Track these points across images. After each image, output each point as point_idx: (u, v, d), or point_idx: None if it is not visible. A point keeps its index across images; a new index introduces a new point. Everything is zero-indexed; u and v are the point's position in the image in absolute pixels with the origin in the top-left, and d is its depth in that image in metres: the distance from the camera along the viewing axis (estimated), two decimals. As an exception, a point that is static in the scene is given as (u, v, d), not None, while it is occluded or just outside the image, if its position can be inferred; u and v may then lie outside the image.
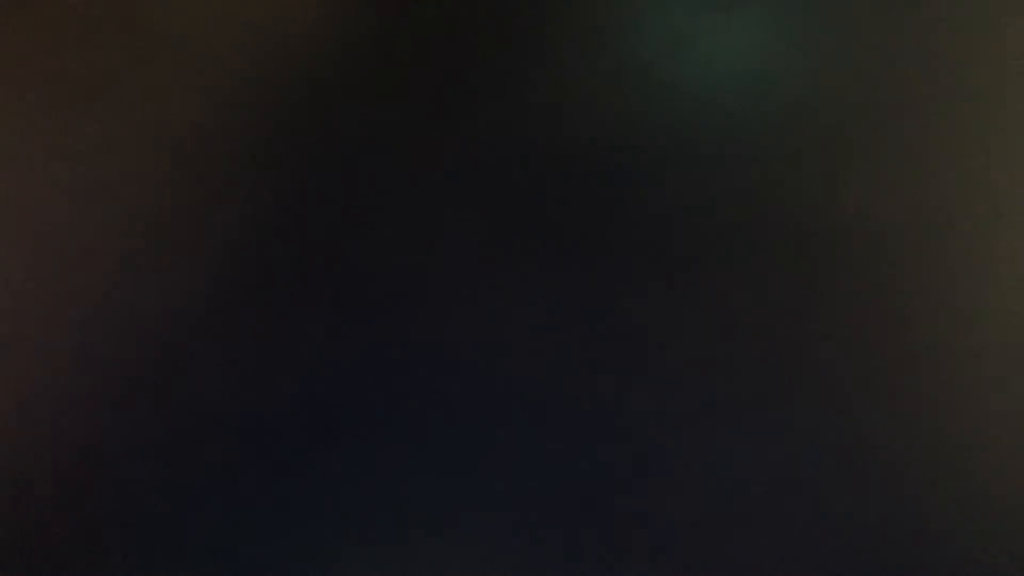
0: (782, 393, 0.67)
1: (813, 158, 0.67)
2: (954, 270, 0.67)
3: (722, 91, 0.68)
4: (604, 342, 0.67)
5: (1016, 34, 0.67)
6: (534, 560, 0.67)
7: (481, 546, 0.67)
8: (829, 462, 0.67)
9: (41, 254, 0.68)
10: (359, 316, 0.68)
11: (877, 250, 0.67)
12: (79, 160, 0.68)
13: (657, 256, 0.67)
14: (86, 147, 0.68)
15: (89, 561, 0.68)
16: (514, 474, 0.67)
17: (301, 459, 0.67)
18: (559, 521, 0.67)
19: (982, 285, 0.67)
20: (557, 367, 0.67)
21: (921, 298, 0.67)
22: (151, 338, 0.68)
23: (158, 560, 0.68)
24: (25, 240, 0.68)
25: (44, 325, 0.68)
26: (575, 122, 0.68)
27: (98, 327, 0.68)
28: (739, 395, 0.67)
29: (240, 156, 0.68)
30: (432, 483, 0.67)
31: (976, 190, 0.67)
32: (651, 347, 0.67)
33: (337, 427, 0.67)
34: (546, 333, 0.67)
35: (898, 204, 0.67)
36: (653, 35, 0.68)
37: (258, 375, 0.68)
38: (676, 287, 0.67)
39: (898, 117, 0.67)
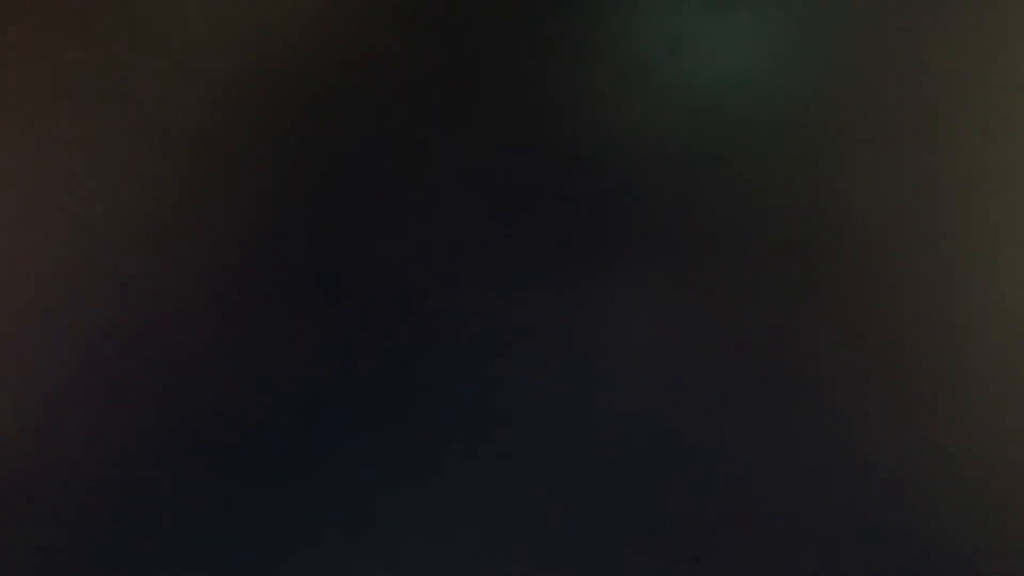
0: (781, 393, 0.67)
1: (813, 158, 0.67)
2: (954, 270, 0.67)
3: (722, 91, 0.68)
4: (603, 341, 0.67)
5: (1016, 34, 0.67)
6: (534, 561, 0.67)
7: (480, 547, 0.67)
8: (829, 463, 0.67)
9: (40, 253, 0.68)
10: (360, 316, 0.68)
11: (877, 250, 0.67)
12: (79, 160, 0.68)
13: (656, 256, 0.67)
14: (86, 146, 0.68)
15: (89, 561, 0.68)
16: (514, 475, 0.67)
17: (302, 460, 0.67)
18: (559, 522, 0.67)
19: (982, 285, 0.67)
20: (556, 367, 0.67)
21: (921, 298, 0.67)
22: (151, 338, 0.68)
23: (158, 560, 0.68)
24: (24, 240, 0.68)
25: (43, 325, 0.68)
26: (575, 122, 0.68)
27: (97, 327, 0.68)
28: (738, 394, 0.67)
29: (241, 156, 0.68)
30: (433, 484, 0.67)
31: (977, 190, 0.67)
32: (650, 346, 0.67)
33: (339, 428, 0.67)
34: (546, 333, 0.67)
35: (898, 204, 0.67)
36: (653, 35, 0.68)
37: (258, 375, 0.68)
38: (675, 287, 0.67)
39: (898, 117, 0.67)
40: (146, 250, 0.68)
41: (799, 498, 0.67)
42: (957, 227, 0.67)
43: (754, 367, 0.67)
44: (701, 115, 0.67)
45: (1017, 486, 0.66)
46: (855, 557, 0.66)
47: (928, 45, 0.68)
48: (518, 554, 0.67)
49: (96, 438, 0.68)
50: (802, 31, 0.68)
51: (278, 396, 0.67)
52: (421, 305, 0.67)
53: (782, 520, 0.67)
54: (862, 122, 0.67)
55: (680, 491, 0.67)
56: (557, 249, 0.67)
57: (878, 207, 0.67)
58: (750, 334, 0.67)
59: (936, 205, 0.67)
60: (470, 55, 0.68)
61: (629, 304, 0.67)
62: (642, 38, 0.68)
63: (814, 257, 0.67)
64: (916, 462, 0.66)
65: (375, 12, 0.68)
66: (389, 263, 0.68)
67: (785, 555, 0.67)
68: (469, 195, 0.68)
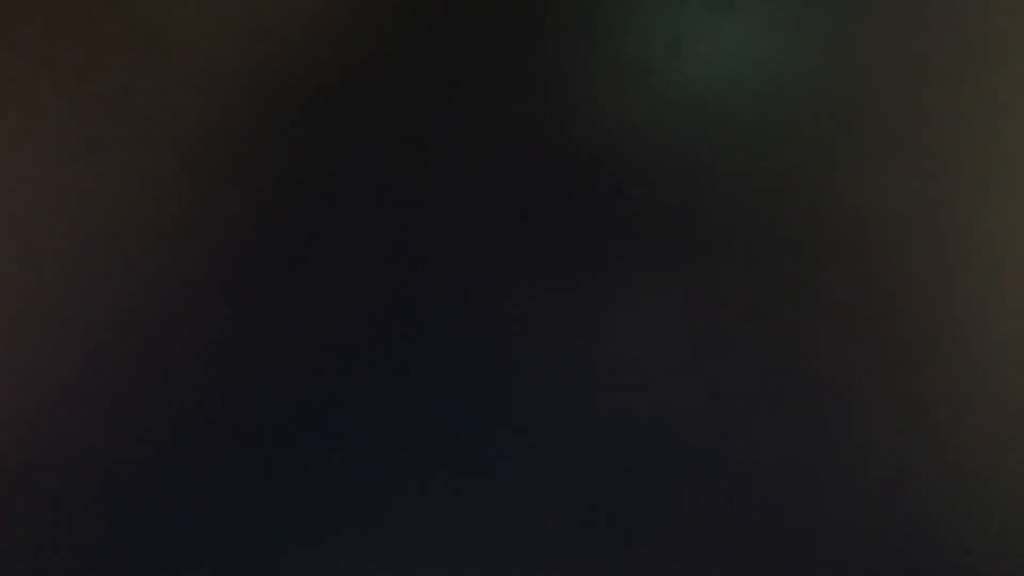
0: (782, 392, 0.67)
1: (813, 158, 0.67)
2: (955, 270, 0.67)
3: (722, 92, 0.68)
4: (603, 341, 0.67)
5: (1016, 34, 0.67)
6: (535, 560, 0.67)
7: (481, 547, 0.67)
8: (830, 462, 0.67)
9: (39, 253, 0.68)
10: (360, 316, 0.68)
11: (877, 251, 0.67)
12: (78, 160, 0.68)
13: (657, 256, 0.67)
14: (86, 147, 0.68)
15: (89, 561, 0.68)
16: (515, 475, 0.67)
17: (302, 460, 0.67)
18: (560, 522, 0.67)
19: (983, 285, 0.67)
20: (557, 366, 0.67)
21: (922, 298, 0.67)
22: (150, 337, 0.68)
23: (158, 560, 0.68)
24: (23, 239, 0.68)
25: (43, 324, 0.68)
26: (575, 122, 0.68)
27: (97, 326, 0.68)
28: (739, 394, 0.67)
29: (241, 156, 0.68)
30: (433, 484, 0.67)
31: (976, 190, 0.67)
32: (651, 346, 0.67)
33: (339, 428, 0.67)
34: (546, 333, 0.67)
35: (898, 204, 0.67)
36: (653, 35, 0.68)
37: (259, 375, 0.68)
38: (675, 287, 0.67)
39: (899, 117, 0.67)
40: (146, 250, 0.68)
41: (800, 498, 0.67)
42: (958, 227, 0.67)
43: (755, 366, 0.67)
44: (701, 115, 0.67)
45: (1017, 486, 0.66)
46: (855, 557, 0.66)
47: (929, 45, 0.68)
48: (519, 554, 0.67)
49: (95, 437, 0.68)
50: (802, 31, 0.68)
51: (278, 396, 0.68)
52: (421, 305, 0.67)
53: (782, 520, 0.67)
54: (863, 122, 0.67)
55: (681, 491, 0.67)
56: (557, 249, 0.67)
57: (879, 207, 0.67)
58: (751, 333, 0.67)
59: (937, 205, 0.67)
60: (470, 55, 0.68)
61: (629, 304, 0.67)
62: (642, 38, 0.68)
63: (814, 257, 0.67)
64: (916, 462, 0.66)
65: (375, 12, 0.68)
66: (389, 263, 0.68)
67: (785, 555, 0.67)
68: (469, 195, 0.68)
